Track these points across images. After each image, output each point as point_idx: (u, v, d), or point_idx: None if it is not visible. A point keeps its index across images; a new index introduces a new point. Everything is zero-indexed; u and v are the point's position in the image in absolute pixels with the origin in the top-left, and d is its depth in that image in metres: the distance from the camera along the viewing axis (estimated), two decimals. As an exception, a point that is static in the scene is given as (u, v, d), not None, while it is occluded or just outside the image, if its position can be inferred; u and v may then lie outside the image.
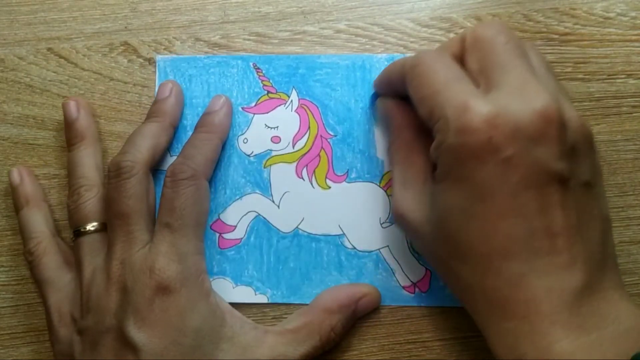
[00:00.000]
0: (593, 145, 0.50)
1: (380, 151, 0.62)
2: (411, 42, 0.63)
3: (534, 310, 0.46)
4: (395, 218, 0.56)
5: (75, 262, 0.59)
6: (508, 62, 0.49)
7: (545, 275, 0.46)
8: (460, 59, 0.52)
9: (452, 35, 0.63)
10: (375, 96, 0.62)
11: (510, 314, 0.47)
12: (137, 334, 0.52)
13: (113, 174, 0.57)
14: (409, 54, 0.63)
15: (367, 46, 0.63)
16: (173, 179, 0.56)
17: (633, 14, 0.63)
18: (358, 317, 0.60)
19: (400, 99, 0.58)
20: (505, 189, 0.46)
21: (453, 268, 0.50)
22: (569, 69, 0.62)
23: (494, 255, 0.47)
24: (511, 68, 0.49)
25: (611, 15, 0.63)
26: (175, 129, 0.62)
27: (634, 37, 0.62)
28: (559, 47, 0.62)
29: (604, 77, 0.62)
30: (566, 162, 0.46)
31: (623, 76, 0.62)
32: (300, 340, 0.57)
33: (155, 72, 0.64)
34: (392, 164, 0.58)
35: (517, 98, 0.46)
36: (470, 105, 0.46)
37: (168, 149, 0.62)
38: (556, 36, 0.63)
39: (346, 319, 0.58)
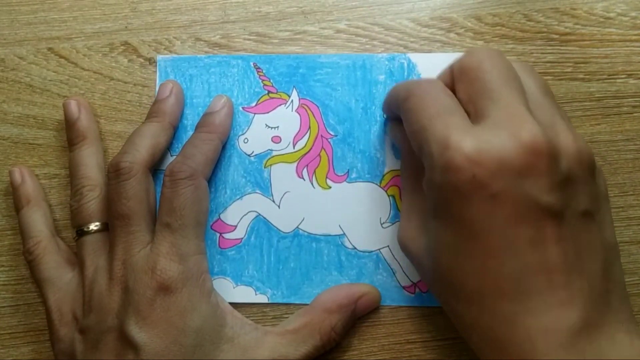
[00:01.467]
0: (593, 170, 0.49)
1: (380, 152, 0.62)
2: (411, 42, 0.63)
3: (529, 351, 0.44)
4: (401, 248, 0.56)
5: (77, 262, 0.60)
6: (495, 91, 0.48)
7: (541, 314, 0.44)
8: (453, 89, 0.51)
9: (452, 35, 0.63)
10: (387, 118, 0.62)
11: (507, 354, 0.45)
12: (138, 333, 0.53)
13: (112, 175, 0.57)
14: (409, 54, 0.63)
15: (367, 46, 0.63)
16: (172, 178, 0.56)
17: (633, 14, 0.62)
18: (358, 316, 0.60)
19: None
20: (494, 226, 0.45)
21: (452, 305, 0.50)
22: (569, 69, 0.62)
23: (487, 294, 0.46)
24: (498, 97, 0.47)
25: (611, 15, 0.63)
26: (175, 128, 0.62)
27: (634, 37, 0.62)
28: (559, 47, 0.62)
29: (605, 77, 0.62)
30: (559, 194, 0.45)
31: (623, 76, 0.62)
32: (301, 341, 0.57)
33: (155, 71, 0.64)
34: (402, 192, 0.58)
35: (502, 130, 0.45)
36: (452, 141, 0.45)
37: (169, 148, 0.62)
38: (556, 36, 0.63)
39: (346, 319, 0.58)
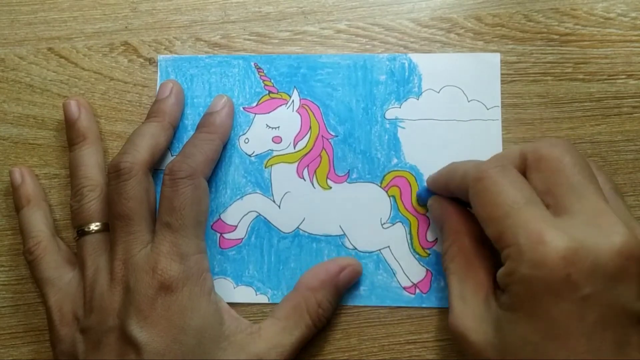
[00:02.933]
0: None
1: (381, 152, 0.62)
2: (411, 42, 0.63)
3: None
4: (453, 334, 0.53)
5: (78, 262, 0.60)
6: (579, 186, 0.47)
7: None
8: (523, 175, 0.50)
9: (452, 35, 0.63)
10: (427, 190, 0.61)
11: None
12: (140, 332, 0.53)
13: (112, 175, 0.57)
14: (411, 54, 0.63)
15: (367, 46, 0.63)
16: (172, 177, 0.56)
17: (633, 14, 0.63)
18: (342, 289, 0.60)
19: (457, 202, 0.57)
20: (582, 328, 0.43)
21: None
22: (570, 70, 0.62)
23: None
24: (583, 193, 0.46)
25: (612, 15, 0.63)
26: (175, 128, 0.63)
27: (634, 38, 0.62)
28: (559, 48, 0.62)
29: (605, 77, 0.62)
30: None
31: (623, 77, 0.62)
32: (292, 325, 0.57)
33: (156, 71, 0.64)
34: (448, 273, 0.56)
35: (594, 231, 0.44)
36: (546, 238, 0.44)
37: (169, 148, 0.63)
38: (557, 36, 0.63)
39: (331, 294, 0.59)
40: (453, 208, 0.57)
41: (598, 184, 0.48)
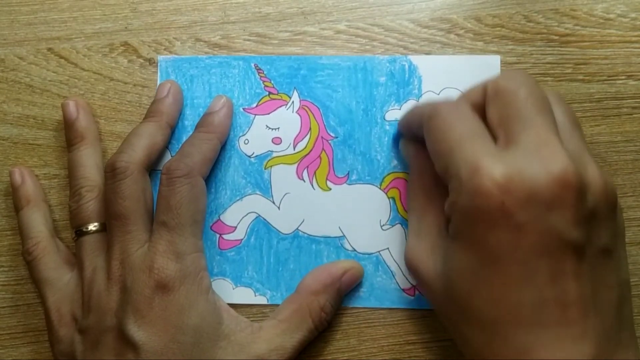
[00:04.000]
0: (616, 207, 0.48)
1: (381, 154, 0.62)
2: (411, 42, 0.63)
3: None
4: (409, 268, 0.56)
5: (76, 262, 0.60)
6: (528, 118, 0.47)
7: (554, 347, 0.44)
8: (482, 110, 0.50)
9: (452, 36, 0.63)
10: (399, 134, 0.61)
11: None
12: (137, 332, 0.53)
13: (109, 175, 0.57)
14: (411, 56, 0.63)
15: (367, 47, 0.63)
16: (169, 176, 0.56)
17: (633, 15, 0.62)
18: (344, 293, 0.60)
19: (422, 144, 0.56)
20: (517, 255, 0.44)
21: (461, 329, 0.49)
22: (569, 70, 0.62)
23: (502, 322, 0.46)
24: (531, 124, 0.47)
25: (611, 16, 0.63)
26: (172, 128, 0.63)
27: (634, 39, 0.62)
28: (559, 48, 0.62)
29: (604, 78, 0.62)
30: (583, 230, 0.45)
31: (623, 77, 0.62)
32: (294, 328, 0.57)
33: (156, 72, 0.64)
34: (409, 211, 0.58)
35: (533, 159, 0.45)
36: (482, 166, 0.45)
37: (168, 149, 0.63)
38: (556, 37, 0.63)
39: (333, 297, 0.59)
40: (416, 150, 0.58)
41: (550, 116, 0.48)
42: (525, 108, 0.47)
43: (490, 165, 0.45)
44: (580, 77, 0.62)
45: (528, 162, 0.45)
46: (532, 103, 0.48)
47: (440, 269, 0.51)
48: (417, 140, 0.57)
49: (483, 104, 0.50)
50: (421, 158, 0.57)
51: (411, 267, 0.55)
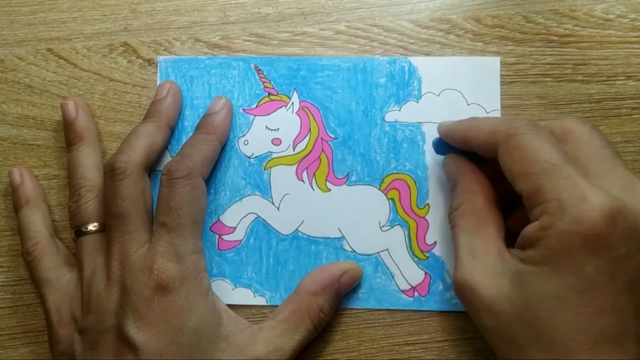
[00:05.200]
0: None
1: (380, 155, 0.62)
2: (411, 43, 0.63)
3: None
4: (461, 289, 0.53)
5: (76, 262, 0.60)
6: (611, 158, 0.49)
7: None
8: None
9: (452, 36, 0.63)
10: (440, 142, 0.60)
11: None
12: (137, 333, 0.53)
13: (108, 176, 0.57)
14: (410, 57, 0.63)
15: (366, 47, 0.63)
16: (169, 177, 0.56)
17: (633, 15, 0.62)
18: (343, 294, 0.60)
19: (468, 156, 0.57)
20: (611, 287, 0.45)
21: (529, 353, 0.48)
22: (569, 71, 0.62)
23: (582, 350, 0.45)
24: (615, 164, 0.48)
25: (611, 17, 0.63)
26: (172, 128, 0.63)
27: (633, 39, 0.62)
28: (558, 49, 0.62)
29: (604, 78, 0.62)
30: None
31: (622, 78, 0.62)
32: (293, 329, 0.57)
33: (155, 72, 0.64)
34: (457, 229, 0.56)
35: (632, 196, 0.46)
36: (589, 195, 0.45)
37: (168, 150, 0.63)
38: (556, 38, 0.63)
39: (332, 298, 0.59)
40: (469, 167, 0.57)
41: (623, 160, 0.50)
42: (604, 149, 0.50)
43: (598, 194, 0.45)
44: (580, 77, 0.62)
45: (627, 197, 0.46)
46: (609, 146, 0.51)
47: (509, 292, 0.49)
48: (465, 156, 0.57)
49: None
50: (473, 176, 0.56)
51: (467, 288, 0.52)
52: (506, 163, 0.51)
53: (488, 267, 0.51)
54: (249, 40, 0.64)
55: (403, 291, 0.60)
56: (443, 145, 0.59)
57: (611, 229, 0.44)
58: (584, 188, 0.45)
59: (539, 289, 0.47)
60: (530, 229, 0.48)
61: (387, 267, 0.61)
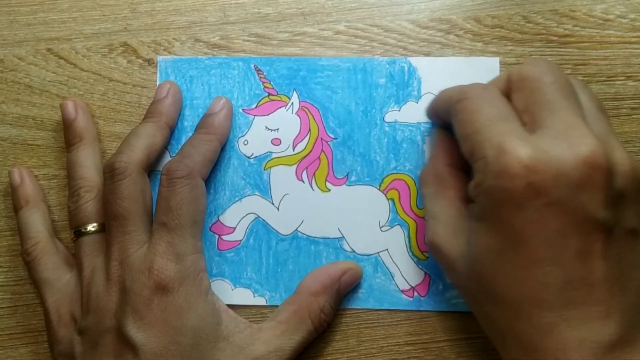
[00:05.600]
0: None
1: (380, 155, 0.62)
2: (410, 43, 0.63)
3: None
4: (430, 249, 0.56)
5: (76, 262, 0.60)
6: (554, 102, 0.48)
7: (578, 326, 0.44)
8: (507, 97, 0.51)
9: (451, 37, 0.63)
10: (432, 125, 0.62)
11: None
12: (136, 333, 0.53)
13: (107, 176, 0.57)
14: (410, 58, 0.63)
15: (366, 47, 0.63)
16: (168, 177, 0.56)
17: (632, 15, 0.62)
18: (343, 294, 0.60)
19: (448, 131, 0.57)
20: (543, 235, 0.45)
21: (485, 308, 0.50)
22: (569, 71, 0.62)
23: (526, 301, 0.46)
24: (557, 108, 0.47)
25: (611, 17, 0.63)
26: (171, 128, 0.63)
27: (633, 39, 0.62)
28: (558, 49, 0.62)
29: (603, 79, 0.62)
30: (611, 211, 0.45)
31: (622, 78, 0.62)
32: (294, 329, 0.57)
33: (155, 72, 0.64)
34: (423, 197, 0.58)
35: (561, 142, 0.45)
36: (509, 147, 0.45)
37: (168, 150, 0.63)
38: (555, 38, 0.63)
39: (332, 298, 0.59)
40: (440, 135, 0.58)
41: (576, 100, 0.49)
42: (551, 93, 0.48)
43: (517, 147, 0.45)
44: (580, 77, 0.62)
45: (555, 144, 0.45)
46: (558, 88, 0.48)
47: (465, 249, 0.51)
48: (444, 127, 0.58)
49: (508, 93, 0.51)
50: (439, 144, 0.58)
51: (434, 249, 0.54)
52: (454, 128, 0.52)
53: (449, 227, 0.53)
54: (248, 40, 0.64)
55: (403, 291, 0.60)
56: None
57: (532, 177, 0.44)
58: (506, 141, 0.46)
59: (481, 245, 0.48)
60: (470, 187, 0.49)
61: (386, 267, 0.61)
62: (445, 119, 0.55)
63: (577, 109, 0.48)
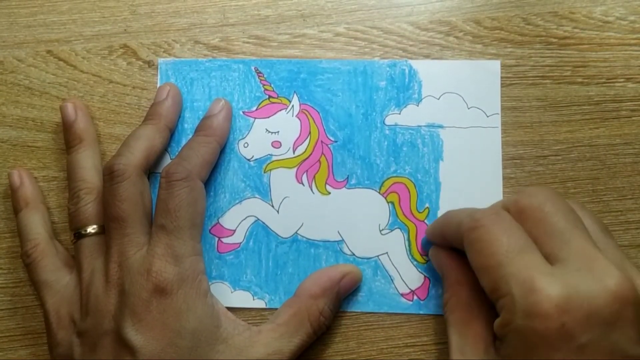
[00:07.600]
0: None
1: (380, 158, 0.62)
2: (410, 45, 0.63)
3: None
4: None
5: (75, 264, 0.60)
6: (564, 232, 0.46)
7: None
8: None
9: (451, 38, 0.63)
10: (428, 241, 0.60)
11: None
12: (135, 335, 0.53)
13: (107, 178, 0.57)
14: (411, 60, 0.63)
15: (366, 49, 0.63)
16: (167, 179, 0.56)
17: (632, 17, 0.63)
18: (343, 297, 0.60)
19: (454, 251, 0.56)
20: None
21: None
22: (568, 73, 0.62)
23: None
24: (569, 238, 0.46)
25: (610, 19, 0.63)
26: (171, 131, 0.63)
27: (633, 41, 0.62)
28: (558, 51, 0.63)
29: (603, 80, 0.62)
30: None
31: (622, 80, 0.62)
32: (293, 332, 0.57)
33: (155, 74, 0.64)
34: (448, 325, 0.54)
35: (586, 276, 0.43)
36: (538, 286, 0.43)
37: (168, 152, 0.63)
38: (555, 40, 0.63)
39: (332, 301, 0.58)
40: (451, 259, 0.56)
41: (584, 227, 0.48)
42: (557, 223, 0.47)
43: (546, 284, 0.43)
44: (579, 79, 0.62)
45: (581, 279, 0.44)
46: (563, 217, 0.47)
47: None
48: (449, 248, 0.56)
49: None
50: (456, 267, 0.56)
51: None
52: (469, 257, 0.50)
53: None
54: (248, 42, 0.64)
55: (402, 295, 0.60)
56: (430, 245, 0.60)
57: (564, 317, 0.42)
58: (533, 278, 0.44)
59: None
60: (496, 326, 0.47)
61: (386, 271, 0.61)
62: (455, 245, 0.54)
63: (588, 237, 0.47)
